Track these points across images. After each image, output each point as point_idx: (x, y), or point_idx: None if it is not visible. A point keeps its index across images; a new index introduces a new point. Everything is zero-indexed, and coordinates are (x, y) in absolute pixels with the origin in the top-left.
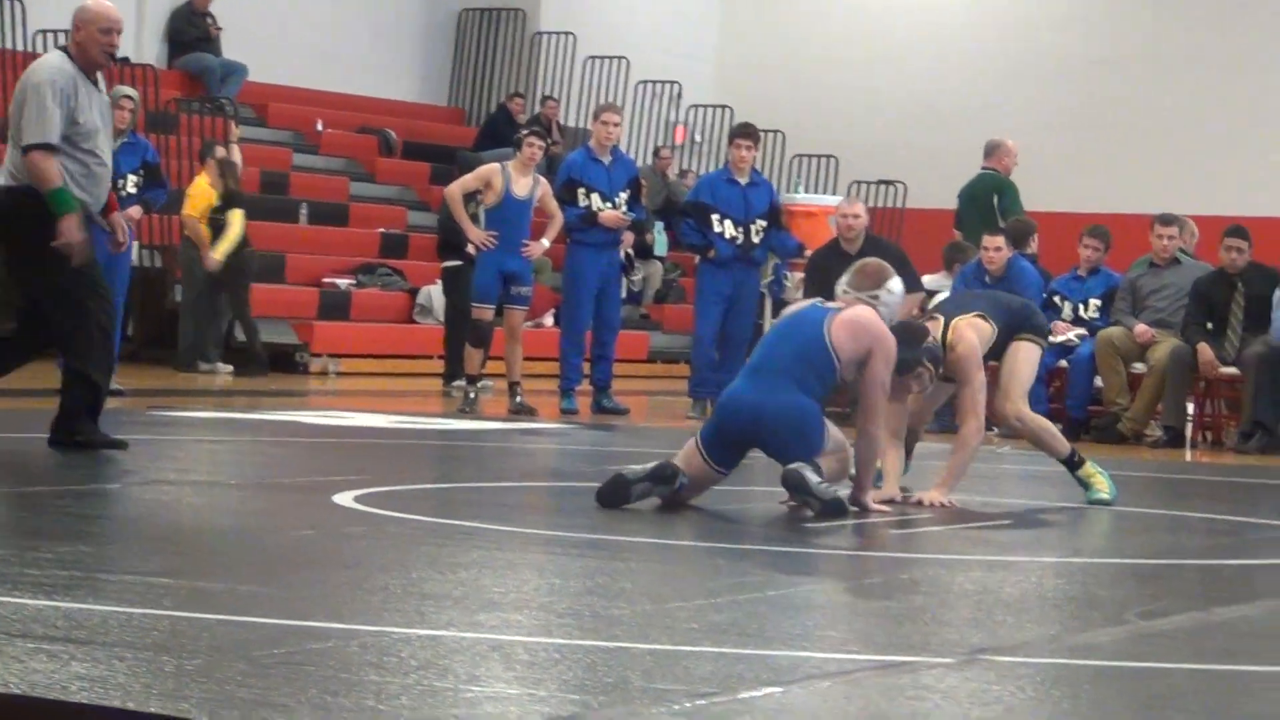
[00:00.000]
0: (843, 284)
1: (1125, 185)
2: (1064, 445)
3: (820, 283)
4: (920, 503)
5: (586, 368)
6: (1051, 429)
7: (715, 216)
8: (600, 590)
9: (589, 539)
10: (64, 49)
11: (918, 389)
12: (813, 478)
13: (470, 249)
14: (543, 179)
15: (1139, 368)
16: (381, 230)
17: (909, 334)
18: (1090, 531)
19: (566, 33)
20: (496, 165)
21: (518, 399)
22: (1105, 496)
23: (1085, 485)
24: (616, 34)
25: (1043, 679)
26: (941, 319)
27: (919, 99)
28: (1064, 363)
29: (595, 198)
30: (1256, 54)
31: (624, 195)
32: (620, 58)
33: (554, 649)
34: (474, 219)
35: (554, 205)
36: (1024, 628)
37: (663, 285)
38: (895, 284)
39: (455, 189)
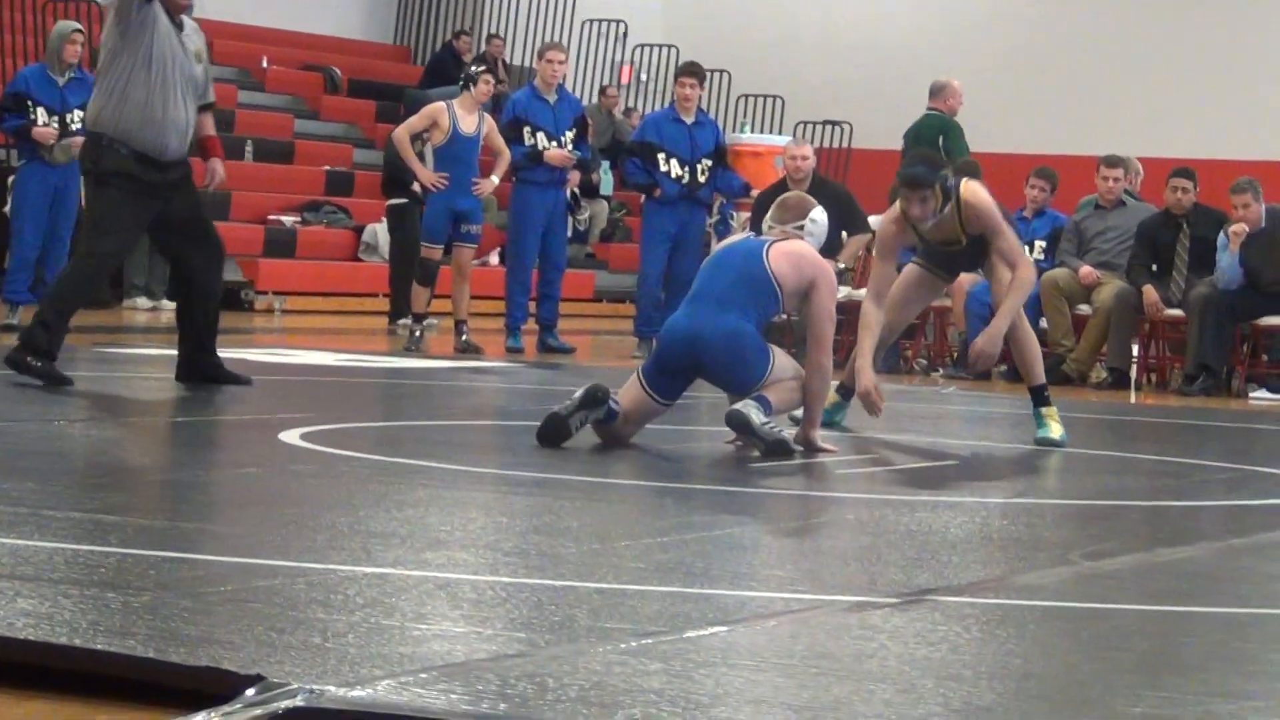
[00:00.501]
0: (768, 220)
1: (1072, 126)
2: (1042, 373)
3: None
4: (974, 347)
5: (532, 306)
6: (1039, 351)
7: (661, 156)
8: (546, 529)
9: (535, 478)
10: None
11: (919, 215)
12: (757, 418)
13: (417, 188)
14: (488, 116)
15: (1084, 309)
16: (327, 168)
17: (929, 159)
18: (1035, 472)
19: None
20: (442, 104)
21: (464, 337)
22: (1055, 437)
23: (1040, 422)
24: None
25: (988, 619)
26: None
27: (865, 39)
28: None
29: (541, 136)
30: None
31: (570, 134)
32: None
33: (500, 587)
34: (420, 158)
35: (500, 142)
36: (969, 568)
37: (608, 224)
38: (818, 214)
39: (402, 132)
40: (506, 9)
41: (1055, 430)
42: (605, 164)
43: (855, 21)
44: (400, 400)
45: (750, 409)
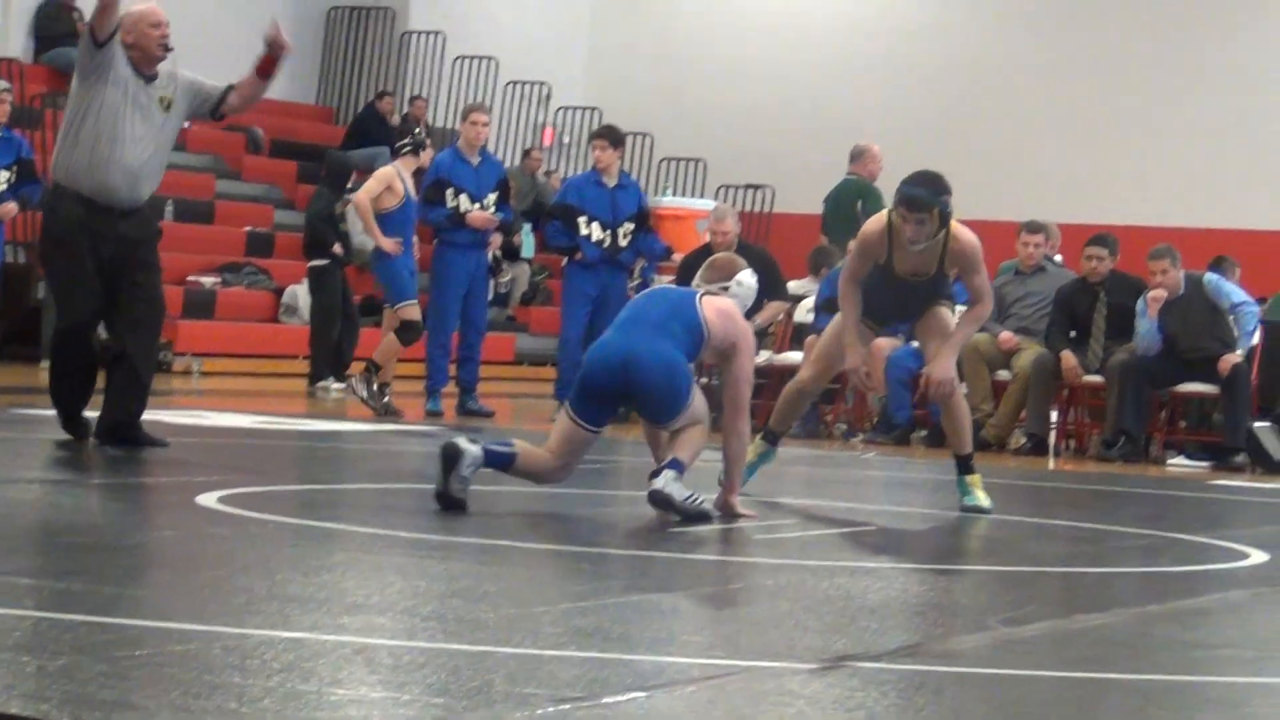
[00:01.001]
0: (696, 281)
1: (992, 192)
2: (970, 442)
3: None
4: (927, 378)
5: (453, 369)
6: (969, 420)
7: (582, 219)
8: (464, 593)
9: (453, 542)
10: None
11: (914, 237)
12: (678, 495)
13: (339, 250)
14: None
15: (1003, 375)
16: (248, 229)
17: (932, 180)
18: (953, 538)
19: (435, 32)
20: (392, 169)
21: (385, 399)
22: (984, 504)
23: (966, 490)
24: (486, 34)
25: (906, 685)
26: None
27: (787, 104)
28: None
29: (463, 198)
30: (1119, 61)
31: (492, 196)
32: (489, 58)
33: (418, 652)
34: (341, 219)
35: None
36: (887, 634)
37: (529, 287)
38: (745, 276)
39: (365, 199)
40: (430, 70)
41: (982, 498)
42: (527, 226)
43: (777, 86)
44: (318, 463)
45: (670, 485)
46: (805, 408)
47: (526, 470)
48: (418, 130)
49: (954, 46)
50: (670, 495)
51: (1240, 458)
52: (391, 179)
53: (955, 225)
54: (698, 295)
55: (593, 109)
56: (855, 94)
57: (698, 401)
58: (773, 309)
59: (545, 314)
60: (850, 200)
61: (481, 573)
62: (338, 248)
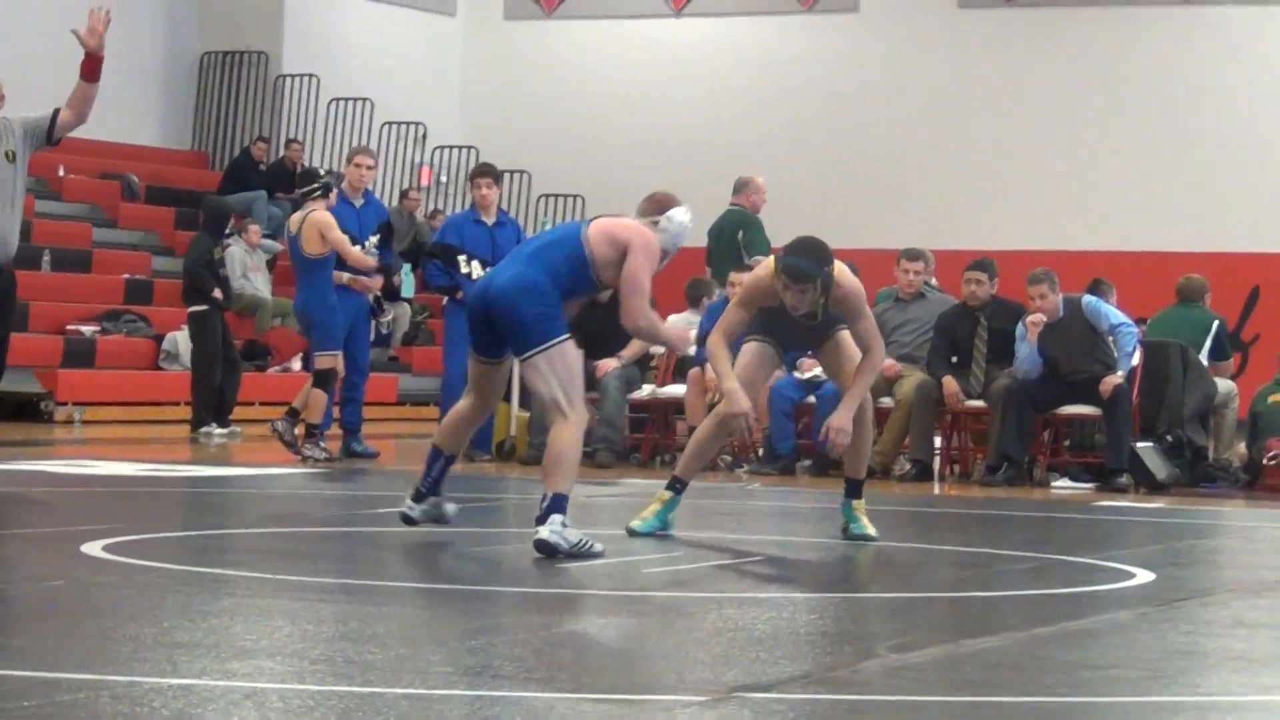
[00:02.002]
0: (635, 212)
1: (869, 220)
2: (865, 468)
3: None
4: (829, 430)
5: (336, 411)
6: (870, 447)
7: (462, 258)
8: (353, 635)
9: (341, 584)
10: None
11: (794, 304)
12: (565, 546)
13: (218, 295)
14: None
15: (886, 402)
16: (126, 276)
17: (815, 251)
18: (840, 566)
19: (309, 75)
20: (328, 212)
21: (305, 443)
22: (870, 533)
23: (852, 518)
24: (360, 76)
25: (797, 715)
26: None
27: (664, 138)
28: (811, 398)
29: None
30: (994, 88)
31: (374, 239)
32: (364, 99)
33: (308, 695)
34: (220, 264)
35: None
36: (777, 664)
37: (411, 327)
38: (677, 213)
39: (343, 236)
40: (304, 113)
41: (868, 525)
42: (407, 266)
43: (654, 120)
44: (203, 509)
45: (555, 534)
46: (717, 449)
47: (455, 437)
48: (325, 174)
49: (831, 77)
50: (555, 545)
51: (1123, 478)
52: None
53: (837, 272)
54: (586, 223)
55: (469, 147)
56: (733, 126)
57: (565, 373)
58: (638, 346)
59: (427, 354)
60: (732, 230)
61: (370, 614)
62: (217, 293)
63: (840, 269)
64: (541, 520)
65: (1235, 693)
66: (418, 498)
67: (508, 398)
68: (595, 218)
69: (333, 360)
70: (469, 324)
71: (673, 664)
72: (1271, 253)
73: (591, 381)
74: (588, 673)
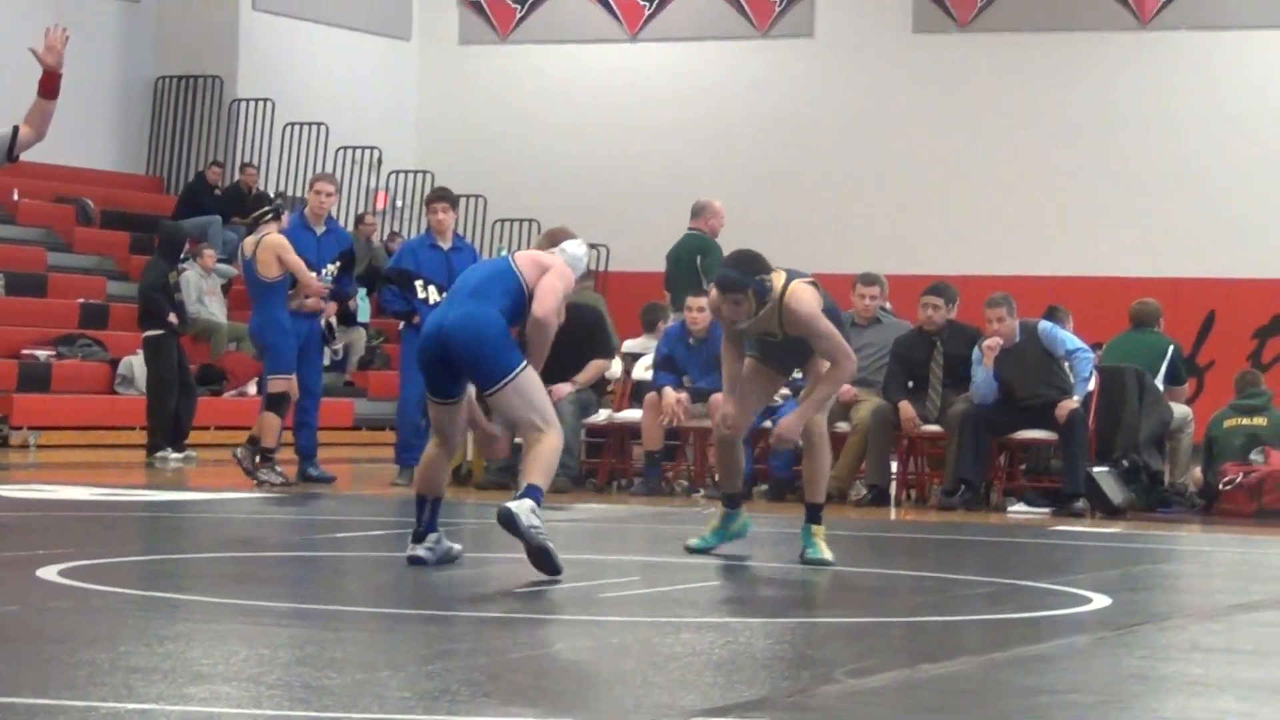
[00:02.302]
0: (533, 248)
1: (824, 245)
2: (824, 492)
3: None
4: (777, 429)
5: (289, 435)
6: (828, 469)
7: (419, 282)
8: (310, 660)
9: (298, 609)
10: None
11: (730, 317)
12: (525, 521)
13: (173, 319)
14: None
15: (842, 427)
16: (81, 300)
17: (746, 262)
18: (798, 591)
19: (264, 99)
20: (283, 236)
21: (264, 469)
22: (827, 557)
23: (809, 541)
24: (315, 100)
25: None
26: (784, 273)
27: (620, 162)
28: (768, 423)
29: None
30: (948, 112)
31: (332, 266)
32: (319, 124)
33: None
34: (175, 288)
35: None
36: (734, 688)
37: (366, 352)
38: (571, 245)
39: (297, 258)
40: (259, 138)
41: (825, 550)
42: (362, 291)
43: (609, 145)
44: (159, 534)
45: (522, 509)
46: (741, 457)
47: (431, 482)
48: (276, 197)
49: (786, 102)
50: (517, 517)
51: (1080, 503)
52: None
53: (791, 293)
54: (512, 255)
55: (424, 172)
56: (687, 151)
57: (533, 392)
58: (595, 367)
59: (383, 378)
60: (690, 256)
61: (327, 638)
62: (173, 317)
63: (796, 289)
64: (517, 497)
65: (1192, 717)
66: (418, 538)
67: None
68: (513, 252)
69: (286, 384)
70: (421, 368)
71: (630, 688)
72: (1226, 278)
73: None
74: (545, 696)
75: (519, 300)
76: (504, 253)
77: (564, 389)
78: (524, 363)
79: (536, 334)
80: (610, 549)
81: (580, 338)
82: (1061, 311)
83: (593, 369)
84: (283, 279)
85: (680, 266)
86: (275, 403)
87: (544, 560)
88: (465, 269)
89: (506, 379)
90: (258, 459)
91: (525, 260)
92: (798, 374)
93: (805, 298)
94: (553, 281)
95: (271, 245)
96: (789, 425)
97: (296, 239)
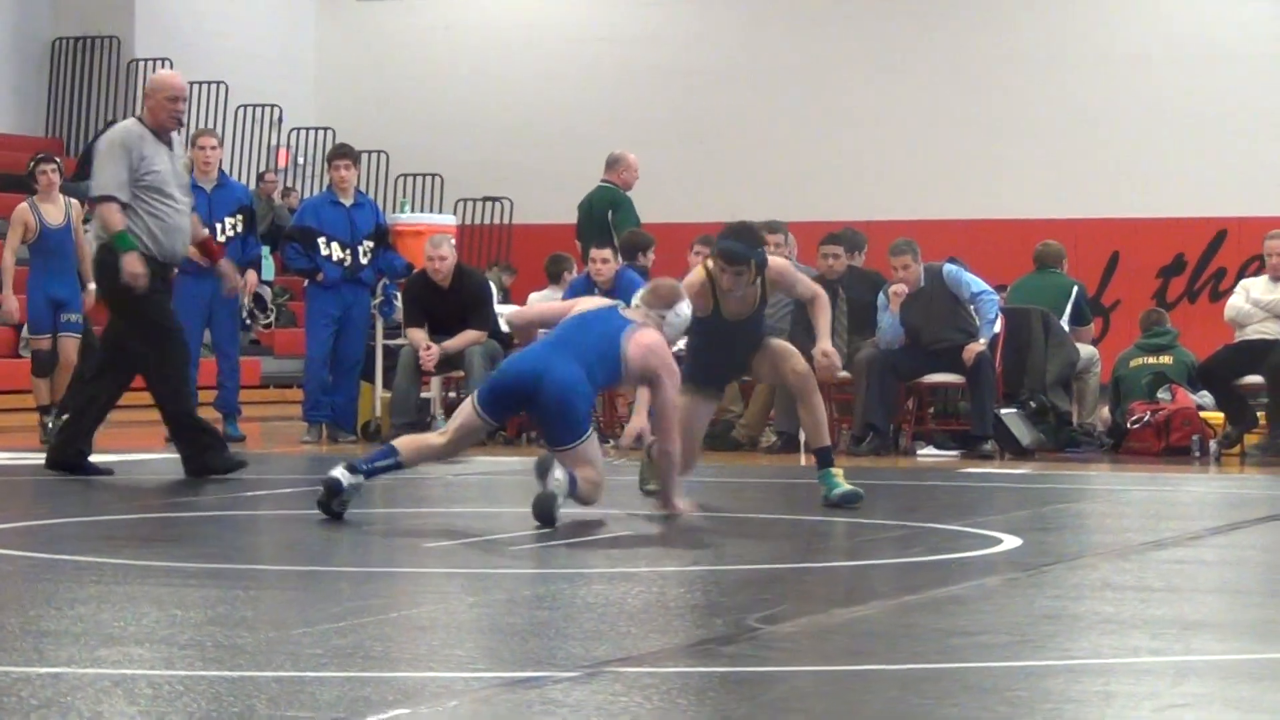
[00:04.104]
0: (638, 298)
1: (728, 195)
2: (828, 435)
3: (417, 313)
4: (822, 356)
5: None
6: (825, 414)
7: (321, 240)
8: (222, 619)
9: (208, 568)
10: (138, 116)
11: (729, 285)
12: (554, 485)
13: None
14: (75, 203)
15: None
16: None
17: (747, 234)
18: (709, 539)
19: (163, 59)
20: (25, 204)
21: (50, 427)
22: (854, 489)
23: (833, 483)
24: (213, 59)
25: (668, 688)
26: None
27: (521, 115)
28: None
29: None
30: (852, 57)
31: (230, 220)
32: (218, 82)
33: (178, 681)
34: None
35: (82, 232)
36: (648, 638)
37: (272, 310)
38: (683, 308)
39: (9, 255)
40: None
41: (846, 484)
42: (265, 249)
43: (510, 97)
44: (65, 497)
45: (559, 481)
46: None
47: (417, 461)
48: (32, 162)
49: (687, 51)
50: (550, 470)
51: (988, 445)
52: (25, 215)
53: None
54: (626, 331)
55: (326, 129)
56: (590, 102)
57: (595, 453)
58: (466, 337)
59: (289, 336)
60: (602, 207)
61: (238, 598)
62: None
63: (771, 258)
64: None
65: (1104, 655)
66: (352, 469)
67: (371, 379)
68: (629, 317)
69: (36, 342)
70: (498, 394)
71: (544, 640)
72: (1129, 218)
73: (456, 360)
74: (459, 650)
75: (614, 376)
76: (619, 311)
77: (434, 349)
78: (591, 431)
79: (665, 463)
80: (521, 502)
81: (464, 303)
82: (960, 263)
83: (465, 337)
84: (32, 242)
85: (592, 218)
86: (33, 360)
87: (544, 510)
88: (369, 223)
89: (578, 442)
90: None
91: (635, 349)
92: None
93: (779, 259)
94: (666, 399)
95: (11, 221)
96: (829, 348)
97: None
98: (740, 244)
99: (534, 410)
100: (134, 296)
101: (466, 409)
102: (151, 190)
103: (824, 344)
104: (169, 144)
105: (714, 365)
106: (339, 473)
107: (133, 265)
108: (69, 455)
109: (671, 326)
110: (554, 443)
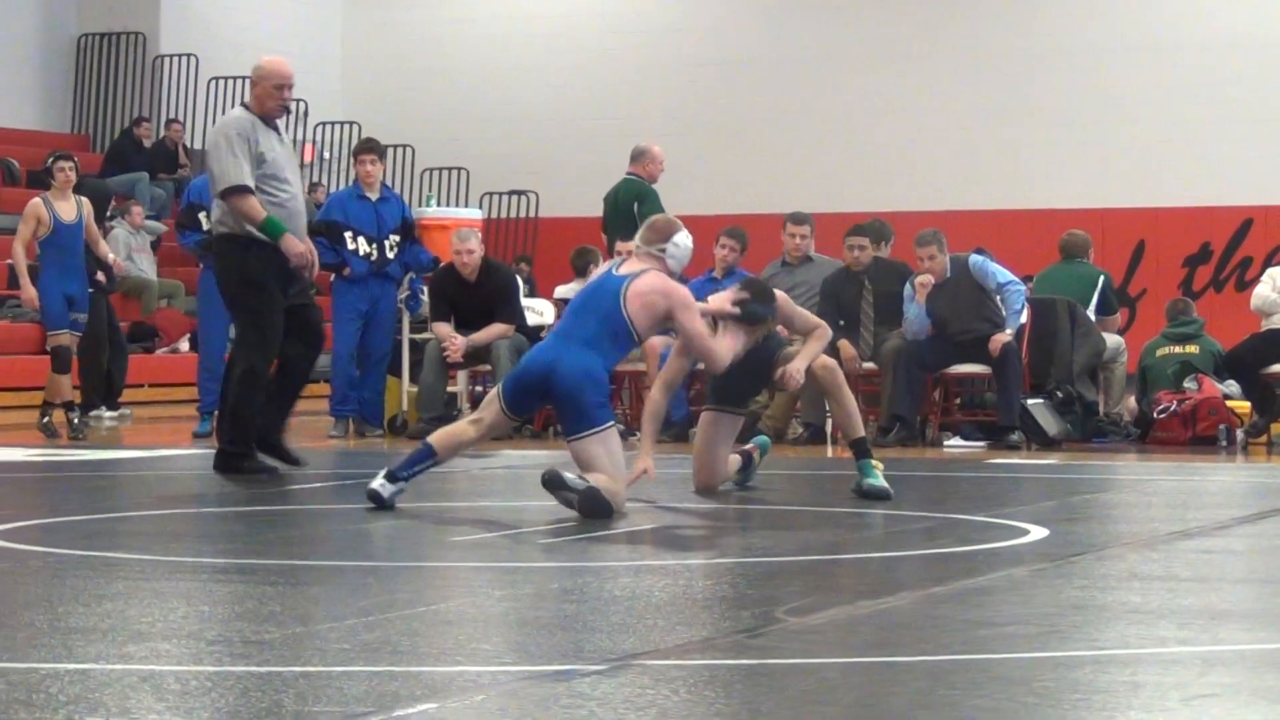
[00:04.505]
0: (635, 240)
1: (756, 186)
2: (861, 426)
3: (444, 307)
4: (785, 371)
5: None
6: (855, 406)
7: (348, 234)
8: (249, 615)
9: (235, 564)
10: (245, 103)
11: (749, 340)
12: (568, 474)
13: (102, 278)
14: (86, 201)
15: None
16: (8, 262)
17: (764, 293)
18: (736, 531)
19: (188, 54)
20: (39, 199)
21: (45, 420)
22: (884, 485)
23: (869, 471)
24: (238, 54)
25: (695, 680)
26: None
27: (546, 108)
28: (701, 365)
29: None
30: (878, 49)
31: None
32: (244, 78)
33: (205, 677)
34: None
35: (95, 231)
36: (675, 630)
37: None
38: (681, 238)
39: (19, 246)
40: (183, 93)
41: (882, 479)
42: None
43: (536, 91)
44: (95, 493)
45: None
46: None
47: (454, 454)
48: (50, 159)
49: (712, 43)
50: (561, 473)
51: (1015, 435)
52: (38, 210)
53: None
54: (623, 288)
55: (351, 123)
56: (615, 94)
57: (616, 452)
58: (493, 330)
59: None
60: (627, 201)
61: (265, 593)
62: (101, 275)
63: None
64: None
65: (1131, 645)
66: (392, 478)
67: (398, 373)
68: (624, 272)
69: (56, 338)
70: (516, 389)
71: (570, 634)
72: (1156, 207)
73: (482, 353)
74: (486, 644)
75: (623, 344)
76: (614, 271)
77: (459, 341)
78: (611, 421)
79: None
80: (548, 495)
81: (491, 297)
82: (987, 253)
83: (491, 330)
84: (45, 238)
85: (618, 211)
86: (52, 357)
87: (594, 501)
88: (395, 218)
89: (594, 430)
90: (46, 419)
91: (636, 303)
92: None
93: (781, 293)
94: (695, 333)
95: (24, 216)
96: (797, 366)
97: (205, 195)
98: (759, 305)
99: (551, 402)
100: (252, 292)
101: (493, 402)
102: (266, 177)
103: (797, 364)
104: (278, 129)
105: (732, 381)
106: (379, 485)
107: (292, 245)
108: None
109: (673, 258)
110: (569, 432)
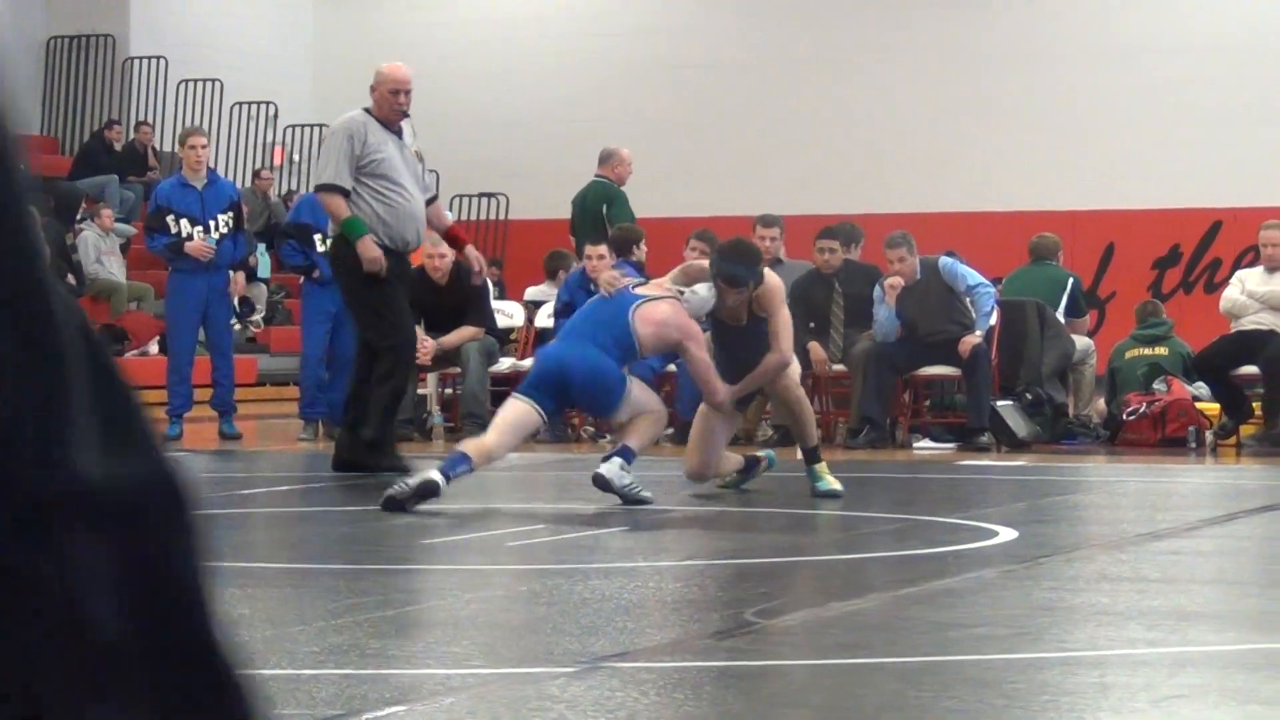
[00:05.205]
0: (668, 278)
1: (726, 189)
2: (814, 434)
3: (414, 310)
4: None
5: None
6: (811, 414)
7: (317, 236)
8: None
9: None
10: (366, 108)
11: (733, 303)
12: (618, 481)
13: (70, 279)
14: None
15: None
16: None
17: (747, 255)
18: (705, 534)
19: (158, 57)
20: None
21: None
22: (837, 488)
23: (817, 476)
24: (208, 56)
25: (665, 683)
26: None
27: (517, 111)
28: (673, 366)
29: (184, 224)
30: (850, 52)
31: (223, 218)
32: (214, 80)
33: None
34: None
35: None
36: (644, 633)
37: (268, 308)
38: (700, 288)
39: None
40: (153, 95)
41: (834, 482)
42: (262, 246)
43: (506, 93)
44: None
45: (613, 471)
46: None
47: (485, 464)
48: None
49: (682, 47)
50: (610, 479)
51: (985, 437)
52: None
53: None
54: (633, 307)
55: (321, 125)
56: (585, 97)
57: (641, 395)
58: (463, 333)
59: (285, 333)
60: (596, 203)
61: (234, 595)
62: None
63: (767, 272)
64: (606, 459)
65: (1101, 647)
66: (446, 477)
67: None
68: (641, 292)
69: None
70: (537, 383)
71: (540, 636)
72: (1125, 209)
73: (452, 356)
74: (455, 647)
75: (628, 351)
76: (630, 289)
77: (429, 345)
78: (628, 385)
79: (725, 419)
80: (517, 497)
81: (462, 300)
82: (957, 256)
83: (461, 333)
84: None
85: (586, 213)
86: None
87: (641, 504)
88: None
89: (621, 403)
90: None
91: (645, 326)
92: None
93: (774, 277)
94: (694, 360)
95: None
96: (727, 397)
97: (173, 197)
98: (741, 267)
99: (573, 397)
100: (367, 287)
101: (517, 406)
102: (377, 177)
103: (730, 390)
104: (399, 134)
105: (731, 348)
106: (437, 477)
107: (367, 249)
108: (359, 455)
109: (688, 303)
110: (602, 414)
